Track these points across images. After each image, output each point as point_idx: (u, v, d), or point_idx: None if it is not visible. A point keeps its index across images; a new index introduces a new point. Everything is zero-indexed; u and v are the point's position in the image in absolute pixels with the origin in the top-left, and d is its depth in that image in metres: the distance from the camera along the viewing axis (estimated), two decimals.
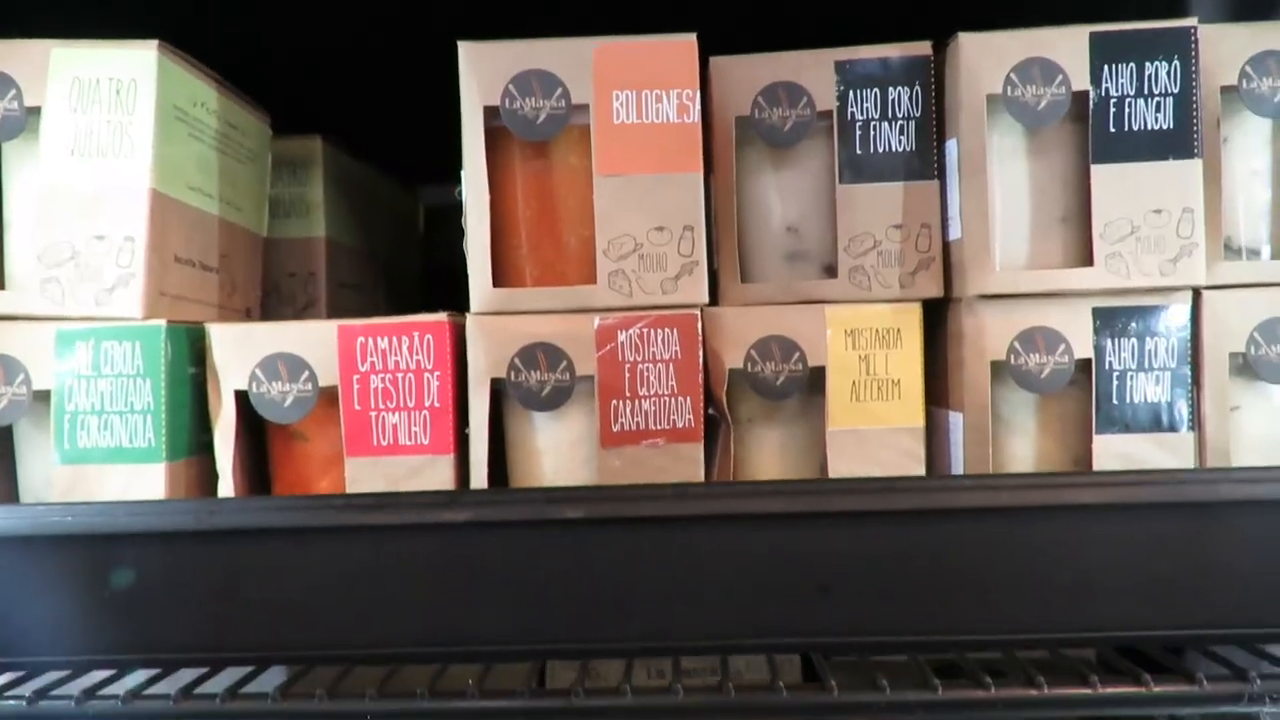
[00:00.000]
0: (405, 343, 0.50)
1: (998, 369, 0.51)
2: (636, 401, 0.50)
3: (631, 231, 0.50)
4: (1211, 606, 0.32)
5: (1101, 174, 0.50)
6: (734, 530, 0.35)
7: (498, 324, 0.50)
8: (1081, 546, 0.33)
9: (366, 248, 0.77)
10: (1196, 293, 0.51)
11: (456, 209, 0.52)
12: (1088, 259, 0.50)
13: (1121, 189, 0.50)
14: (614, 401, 0.50)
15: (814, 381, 0.52)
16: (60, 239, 0.48)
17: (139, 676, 0.38)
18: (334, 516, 0.37)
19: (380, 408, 0.49)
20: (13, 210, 0.50)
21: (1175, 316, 0.51)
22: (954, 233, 0.52)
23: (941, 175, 0.53)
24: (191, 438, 0.50)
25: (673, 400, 0.50)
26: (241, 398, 0.50)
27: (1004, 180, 0.52)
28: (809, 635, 0.33)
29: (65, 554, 0.36)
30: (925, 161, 0.52)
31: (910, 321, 0.52)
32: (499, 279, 0.51)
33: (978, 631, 0.33)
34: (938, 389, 0.55)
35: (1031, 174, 0.52)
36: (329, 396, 0.50)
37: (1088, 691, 0.32)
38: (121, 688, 0.36)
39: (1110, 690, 0.32)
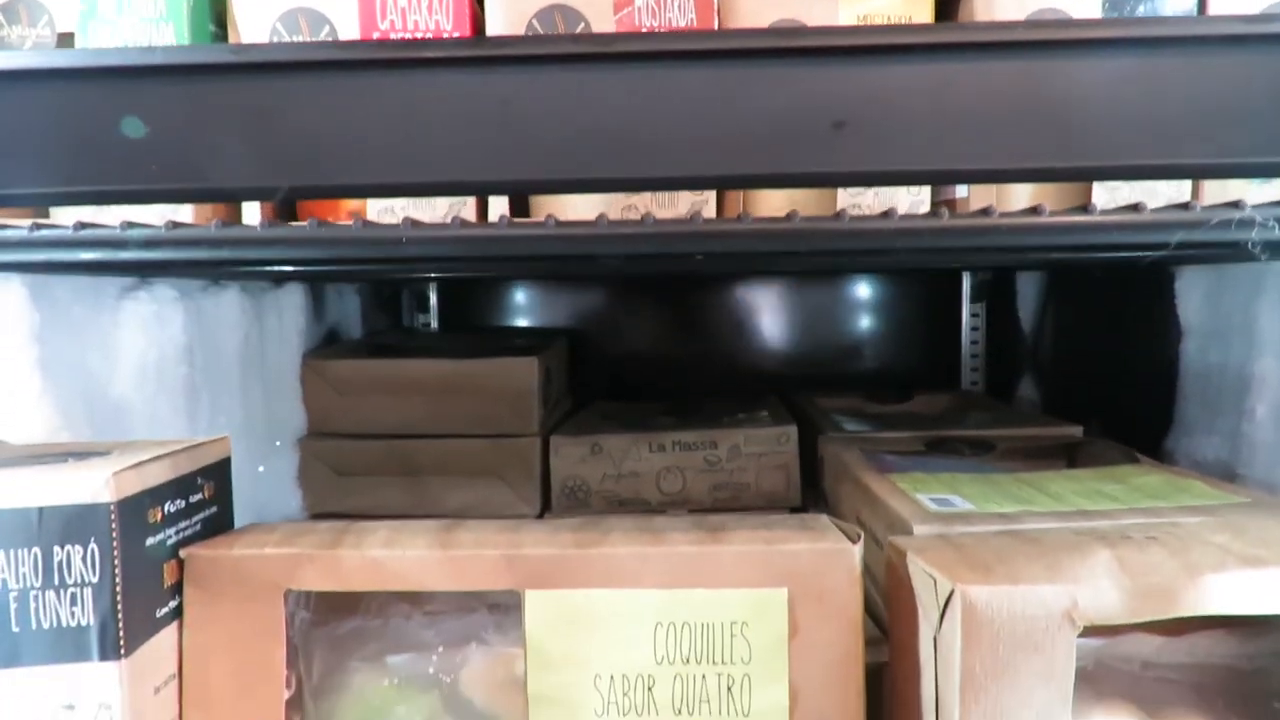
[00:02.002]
0: (425, 1, 0.50)
1: None
2: None
3: None
4: (1209, 141, 0.33)
5: None
6: (748, 68, 0.35)
7: None
8: (1083, 85, 0.34)
9: None
10: None
11: None
12: None
13: None
14: None
15: None
16: None
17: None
18: (369, 51, 0.37)
19: None
20: None
21: None
22: None
23: None
24: None
25: None
26: None
27: None
28: (823, 167, 0.34)
29: (109, 90, 0.36)
30: None
31: (921, 9, 0.53)
32: None
33: (984, 163, 0.34)
34: None
35: None
36: None
37: (1088, 219, 0.33)
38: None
39: (1109, 218, 0.33)
